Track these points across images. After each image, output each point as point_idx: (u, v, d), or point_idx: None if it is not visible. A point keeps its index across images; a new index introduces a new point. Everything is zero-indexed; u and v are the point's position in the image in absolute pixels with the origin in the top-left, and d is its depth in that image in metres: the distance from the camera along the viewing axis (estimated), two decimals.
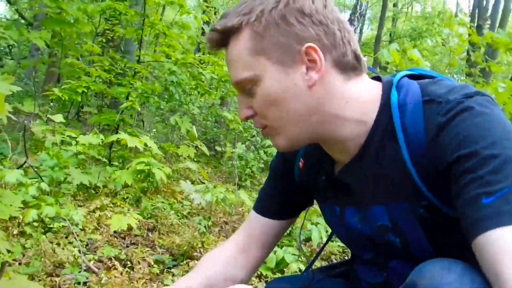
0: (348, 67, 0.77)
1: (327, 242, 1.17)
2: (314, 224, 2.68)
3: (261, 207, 1.03)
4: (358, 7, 9.66)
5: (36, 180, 1.84)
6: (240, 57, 0.77)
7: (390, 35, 18.54)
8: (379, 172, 0.78)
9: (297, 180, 0.99)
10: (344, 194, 0.87)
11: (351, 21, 9.57)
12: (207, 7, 8.36)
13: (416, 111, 0.73)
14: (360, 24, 11.92)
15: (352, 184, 0.84)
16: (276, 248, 2.50)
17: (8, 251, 1.93)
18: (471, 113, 0.67)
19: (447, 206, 0.72)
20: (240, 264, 1.01)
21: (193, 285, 0.94)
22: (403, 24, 19.80)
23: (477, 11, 12.04)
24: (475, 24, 10.52)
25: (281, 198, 1.02)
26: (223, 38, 0.78)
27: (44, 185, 1.86)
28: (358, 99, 0.78)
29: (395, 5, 19.16)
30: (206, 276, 0.97)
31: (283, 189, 1.02)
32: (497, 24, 10.38)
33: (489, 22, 10.98)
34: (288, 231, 2.94)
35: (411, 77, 0.83)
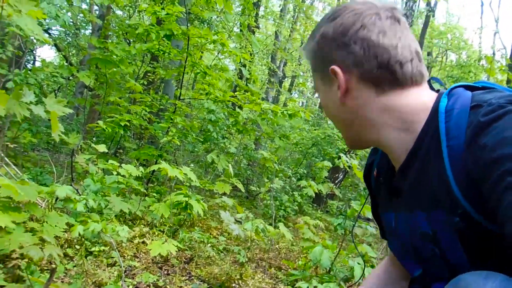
0: (381, 80, 0.80)
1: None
2: (356, 261, 2.57)
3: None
4: None
5: (83, 197, 1.87)
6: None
7: None
8: (424, 178, 0.79)
9: (374, 192, 1.03)
10: (398, 201, 0.89)
11: None
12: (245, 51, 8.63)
13: (461, 115, 0.73)
14: None
15: (403, 190, 0.86)
16: (316, 284, 2.42)
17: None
18: None
19: (482, 217, 0.70)
20: (394, 275, 1.09)
21: None
22: (438, 73, 19.70)
23: None
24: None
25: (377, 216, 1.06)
26: None
27: (91, 202, 1.88)
28: (400, 109, 0.81)
29: (429, 54, 19.20)
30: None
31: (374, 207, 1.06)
32: None
33: None
34: (327, 268, 2.84)
35: (471, 88, 0.82)
